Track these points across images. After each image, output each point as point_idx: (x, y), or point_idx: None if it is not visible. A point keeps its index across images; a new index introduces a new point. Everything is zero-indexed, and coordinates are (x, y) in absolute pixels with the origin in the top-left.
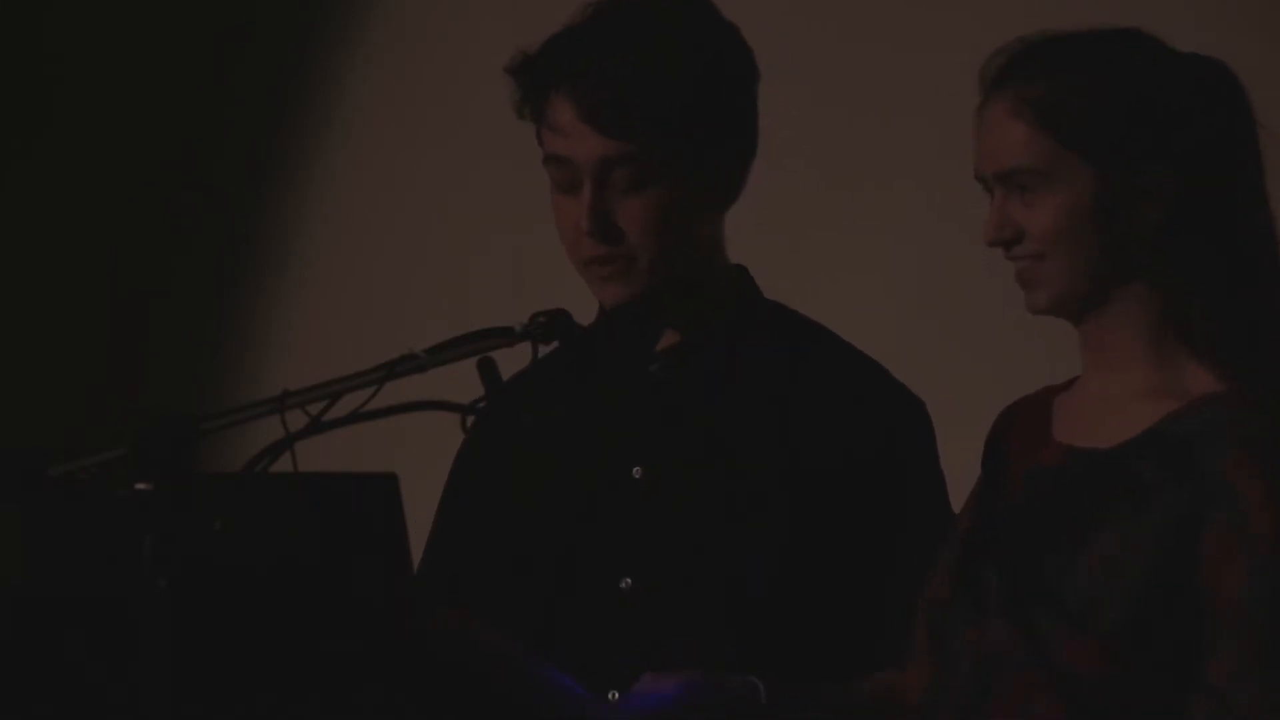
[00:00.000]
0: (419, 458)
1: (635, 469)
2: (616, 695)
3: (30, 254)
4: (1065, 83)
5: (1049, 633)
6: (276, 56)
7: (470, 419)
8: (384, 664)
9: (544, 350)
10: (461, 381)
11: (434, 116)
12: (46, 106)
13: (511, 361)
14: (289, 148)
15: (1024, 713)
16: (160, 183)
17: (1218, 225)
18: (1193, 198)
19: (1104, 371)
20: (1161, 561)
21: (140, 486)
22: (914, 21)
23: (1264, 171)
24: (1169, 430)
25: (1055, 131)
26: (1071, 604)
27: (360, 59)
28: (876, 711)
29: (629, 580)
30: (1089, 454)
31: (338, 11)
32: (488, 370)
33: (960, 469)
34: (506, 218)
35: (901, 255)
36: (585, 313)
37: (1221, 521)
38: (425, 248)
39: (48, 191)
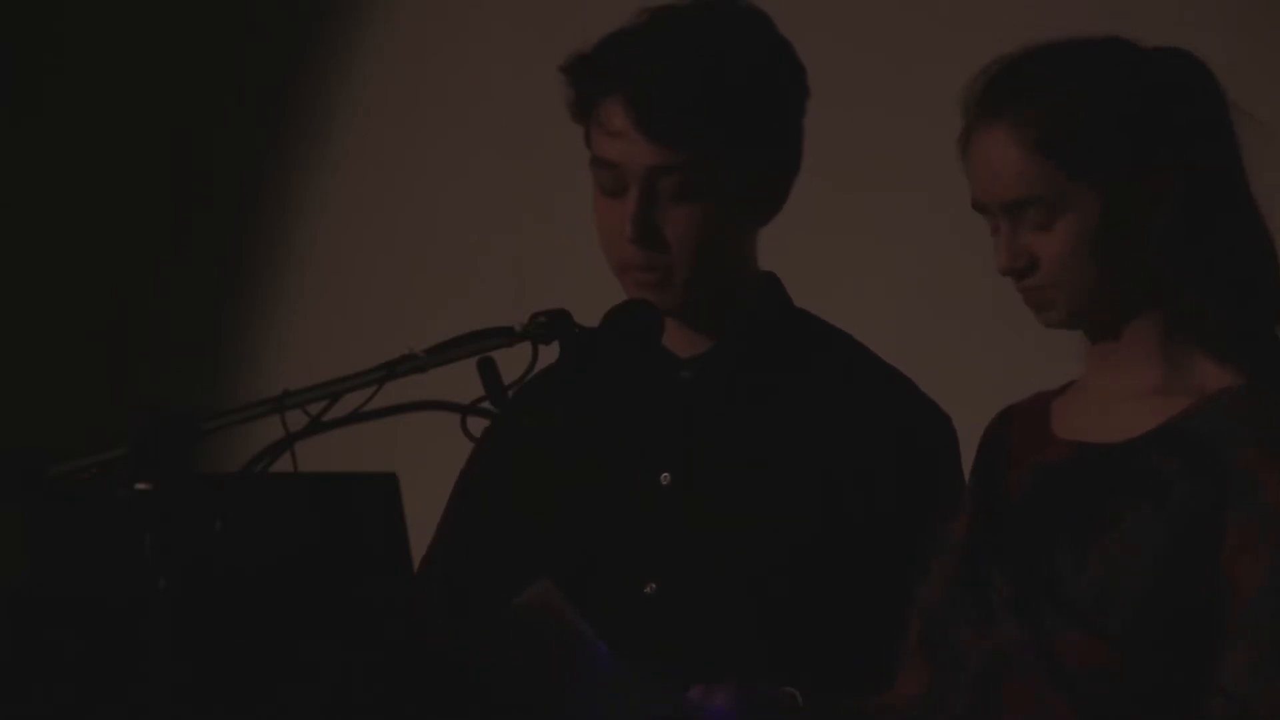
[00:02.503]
0: (419, 458)
1: (663, 475)
2: None
3: (30, 253)
4: (1054, 106)
5: (1060, 632)
6: (277, 56)
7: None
8: (384, 664)
9: (544, 350)
10: (461, 381)
11: (434, 117)
12: (45, 106)
13: (512, 361)
14: (289, 147)
15: (1036, 714)
16: (160, 182)
17: (1222, 216)
18: (1196, 191)
19: (1111, 368)
20: (1179, 557)
21: (140, 486)
22: (916, 24)
23: (1241, 157)
24: (1187, 426)
25: (1054, 158)
26: (1083, 603)
27: (361, 58)
28: None
29: (654, 585)
30: (1098, 449)
31: (338, 11)
32: (488, 370)
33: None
34: (507, 218)
35: (905, 259)
36: (585, 313)
37: (1242, 516)
38: (425, 248)
39: (47, 191)
